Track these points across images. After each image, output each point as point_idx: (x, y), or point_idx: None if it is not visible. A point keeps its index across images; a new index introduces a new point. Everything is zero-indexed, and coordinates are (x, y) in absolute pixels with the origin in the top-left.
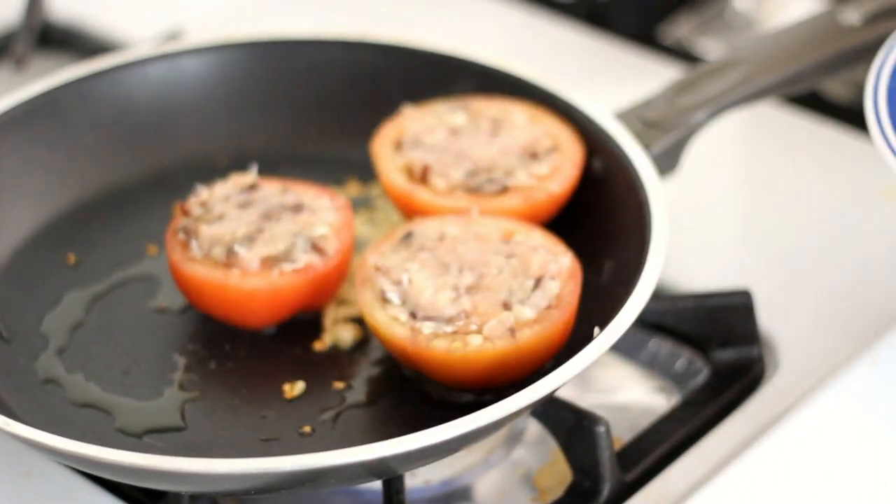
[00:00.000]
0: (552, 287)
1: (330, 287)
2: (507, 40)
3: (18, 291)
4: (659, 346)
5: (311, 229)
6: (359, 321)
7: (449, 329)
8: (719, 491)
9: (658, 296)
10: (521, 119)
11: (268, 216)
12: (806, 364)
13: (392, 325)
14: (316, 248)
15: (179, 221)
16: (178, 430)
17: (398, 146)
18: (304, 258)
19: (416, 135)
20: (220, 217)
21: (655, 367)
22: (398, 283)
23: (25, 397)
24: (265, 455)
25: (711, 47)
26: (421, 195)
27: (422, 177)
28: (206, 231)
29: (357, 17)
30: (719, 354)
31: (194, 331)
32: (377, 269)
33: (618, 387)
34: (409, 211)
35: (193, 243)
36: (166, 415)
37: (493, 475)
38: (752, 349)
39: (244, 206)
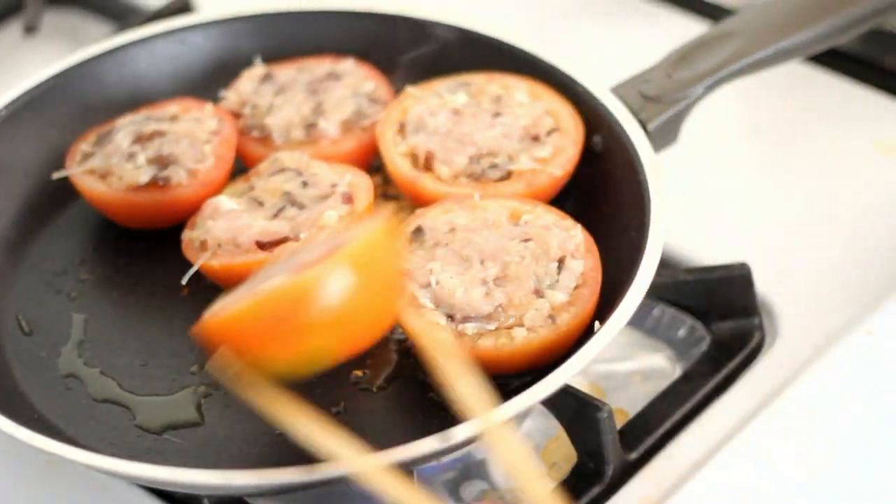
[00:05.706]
0: (576, 266)
1: None
2: None
3: (37, 279)
4: (662, 313)
5: (361, 87)
6: None
7: (491, 326)
8: (722, 465)
9: (657, 271)
10: (521, 96)
11: (313, 91)
12: (804, 334)
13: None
14: (375, 101)
15: (239, 123)
16: (195, 425)
17: (401, 129)
18: (373, 112)
19: (419, 118)
20: (272, 108)
21: (658, 335)
22: (426, 285)
23: (48, 393)
24: (280, 449)
25: None
26: (426, 183)
27: (425, 164)
28: (274, 122)
29: None
30: (720, 326)
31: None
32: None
33: (621, 356)
34: (415, 197)
35: (273, 135)
36: (184, 410)
37: None
38: (751, 320)
39: (281, 91)
